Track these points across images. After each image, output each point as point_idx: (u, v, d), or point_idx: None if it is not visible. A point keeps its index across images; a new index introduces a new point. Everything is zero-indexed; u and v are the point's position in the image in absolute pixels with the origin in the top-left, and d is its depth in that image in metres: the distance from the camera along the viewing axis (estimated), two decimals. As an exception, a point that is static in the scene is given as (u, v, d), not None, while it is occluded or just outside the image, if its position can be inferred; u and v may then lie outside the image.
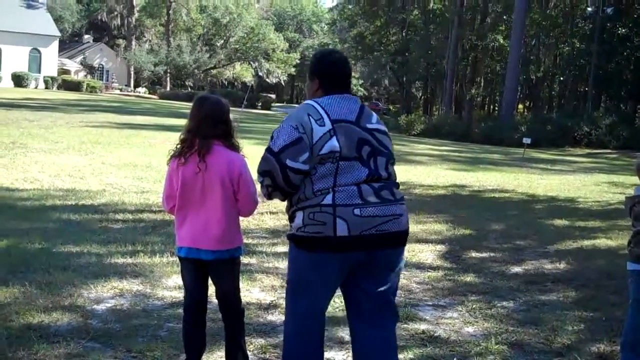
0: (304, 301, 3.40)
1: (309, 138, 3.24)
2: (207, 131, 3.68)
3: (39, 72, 61.31)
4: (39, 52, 62.15)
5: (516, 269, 7.41)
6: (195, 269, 3.86)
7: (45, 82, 59.94)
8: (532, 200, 13.58)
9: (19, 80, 57.64)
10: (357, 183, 3.24)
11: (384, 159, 3.37)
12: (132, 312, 5.14)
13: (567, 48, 52.05)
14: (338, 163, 3.23)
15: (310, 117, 3.28)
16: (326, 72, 3.48)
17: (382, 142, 3.39)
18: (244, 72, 74.73)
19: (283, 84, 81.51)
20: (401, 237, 3.37)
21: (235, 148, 3.78)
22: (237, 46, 73.75)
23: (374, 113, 3.50)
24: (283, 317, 5.20)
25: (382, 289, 3.38)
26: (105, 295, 5.51)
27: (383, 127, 3.47)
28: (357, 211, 3.19)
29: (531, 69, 52.69)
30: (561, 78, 53.64)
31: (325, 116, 3.28)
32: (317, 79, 3.48)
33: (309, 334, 3.43)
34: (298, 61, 76.63)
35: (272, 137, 3.33)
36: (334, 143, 3.23)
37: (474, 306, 5.78)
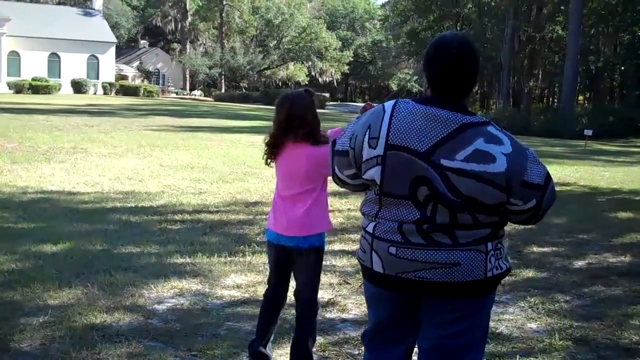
0: (373, 333, 2.95)
1: (357, 155, 2.72)
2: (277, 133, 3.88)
3: (97, 78, 62.59)
4: (96, 58, 63.45)
5: (579, 263, 7.22)
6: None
7: (104, 87, 61.19)
8: (594, 193, 13.25)
9: (78, 86, 58.96)
10: (402, 221, 2.62)
11: (447, 210, 2.55)
12: (191, 311, 5.18)
13: (627, 36, 50.69)
14: (380, 197, 2.68)
15: (368, 132, 2.65)
16: (433, 69, 2.63)
17: (454, 187, 2.51)
18: (297, 72, 74.99)
19: (336, 83, 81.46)
20: (455, 289, 2.60)
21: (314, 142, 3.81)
22: (290, 46, 74.05)
23: (479, 144, 2.51)
24: (341, 315, 5.21)
25: (442, 334, 2.70)
26: (166, 294, 5.57)
27: (478, 168, 2.48)
28: (392, 250, 2.62)
29: (591, 59, 51.46)
30: (622, 67, 52.25)
31: (383, 136, 2.59)
32: (427, 75, 2.66)
33: None
34: (351, 59, 76.52)
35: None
36: (376, 173, 2.63)
37: (536, 302, 5.65)
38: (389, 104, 2.68)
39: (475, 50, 2.64)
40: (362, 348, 4.50)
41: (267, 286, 4.21)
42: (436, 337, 2.71)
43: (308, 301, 3.99)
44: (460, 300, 2.64)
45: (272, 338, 4.19)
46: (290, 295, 4.17)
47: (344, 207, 10.15)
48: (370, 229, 2.73)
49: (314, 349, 4.12)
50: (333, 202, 10.47)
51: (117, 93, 60.63)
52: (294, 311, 4.33)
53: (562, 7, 51.37)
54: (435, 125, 2.54)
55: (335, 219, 9.18)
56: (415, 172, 2.55)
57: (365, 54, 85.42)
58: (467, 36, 2.81)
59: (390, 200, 2.64)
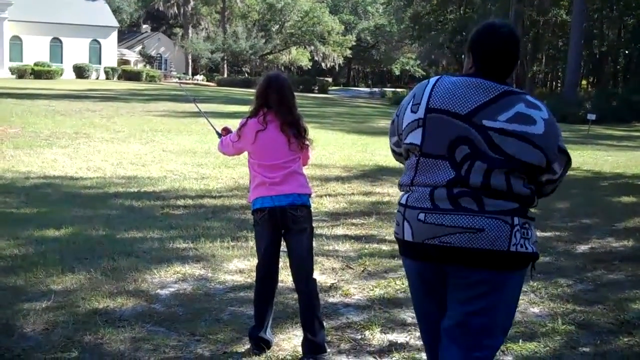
0: (415, 308, 3.10)
1: (400, 122, 2.90)
2: None
3: (100, 63, 62.40)
4: (98, 43, 63.24)
5: (582, 248, 7.22)
6: None
7: (106, 72, 61.01)
8: (598, 178, 13.23)
9: (80, 71, 58.79)
10: (435, 185, 2.71)
11: (485, 165, 2.65)
12: (194, 296, 5.19)
13: (631, 20, 50.40)
14: (419, 158, 2.78)
15: (413, 100, 2.84)
16: (480, 49, 2.81)
17: (496, 145, 2.64)
18: (300, 57, 74.71)
19: (338, 67, 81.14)
20: (478, 257, 2.65)
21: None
22: (293, 30, 73.69)
23: (520, 108, 2.68)
24: (344, 299, 5.22)
25: (465, 310, 2.74)
26: (168, 279, 5.58)
27: (520, 128, 2.65)
28: (421, 216, 2.71)
29: (595, 43, 51.18)
30: (626, 52, 52.02)
31: (425, 101, 2.77)
32: (471, 55, 2.83)
33: (429, 345, 3.07)
34: (354, 43, 76.19)
35: None
36: (417, 135, 2.77)
37: (539, 286, 5.65)
38: (434, 78, 2.86)
39: (519, 37, 2.86)
40: (365, 332, 4.53)
41: (256, 274, 4.28)
42: (459, 314, 2.75)
43: (309, 269, 4.12)
44: (484, 271, 2.68)
45: (270, 322, 4.22)
46: (284, 280, 4.18)
47: (347, 192, 10.15)
48: (403, 200, 2.83)
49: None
50: (336, 187, 10.47)
51: (119, 78, 60.46)
52: (295, 296, 4.35)
53: (566, -9, 51.10)
54: (477, 91, 2.71)
55: (338, 204, 9.18)
56: (456, 132, 2.69)
57: (368, 38, 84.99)
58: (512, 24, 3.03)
59: (428, 161, 2.75)
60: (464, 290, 2.74)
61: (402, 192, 2.89)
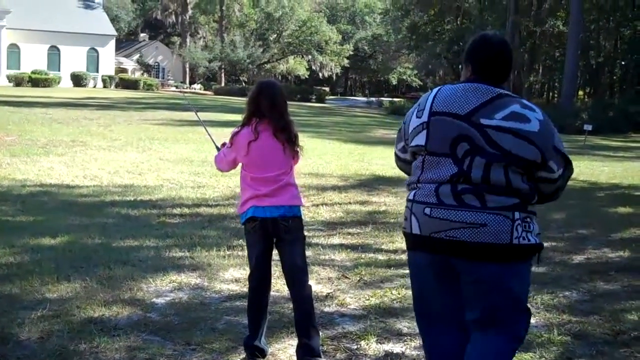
0: (418, 307, 3.18)
1: (406, 129, 3.13)
2: None
3: (97, 71, 62.44)
4: (96, 51, 63.30)
5: (579, 258, 7.22)
6: None
7: (104, 81, 61.05)
8: (594, 188, 13.24)
9: (77, 79, 58.81)
10: (440, 181, 2.91)
11: (484, 160, 2.85)
12: (190, 305, 5.17)
13: (628, 31, 50.60)
14: (424, 157, 3.00)
15: (417, 107, 3.08)
16: (476, 58, 3.04)
17: (494, 141, 2.84)
18: (297, 66, 74.84)
19: (335, 77, 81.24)
20: (482, 250, 2.83)
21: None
22: (290, 40, 73.86)
23: (516, 108, 2.90)
24: (340, 309, 5.21)
25: (481, 303, 2.94)
26: (164, 288, 5.57)
27: (515, 125, 2.85)
28: (427, 210, 2.91)
29: (591, 54, 51.35)
30: (622, 62, 52.19)
31: (428, 107, 3.00)
32: (468, 64, 3.07)
33: (435, 343, 3.16)
34: (351, 53, 76.35)
35: None
36: (422, 137, 2.99)
37: (535, 297, 5.64)
38: (436, 88, 3.11)
39: (510, 45, 3.12)
40: (361, 342, 4.52)
41: (249, 283, 4.27)
42: (475, 309, 2.94)
43: (303, 274, 4.13)
44: (490, 265, 2.85)
45: (264, 331, 4.21)
46: (279, 290, 4.18)
47: (344, 201, 10.15)
48: (411, 196, 3.04)
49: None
50: (332, 196, 10.47)
51: (116, 86, 60.46)
52: (290, 305, 4.34)
53: (562, 2, 51.32)
54: (474, 94, 2.94)
55: (335, 213, 9.18)
56: (456, 131, 2.90)
57: (366, 47, 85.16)
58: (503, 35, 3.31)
59: (432, 159, 2.96)
60: (473, 286, 2.92)
61: (410, 190, 3.07)
